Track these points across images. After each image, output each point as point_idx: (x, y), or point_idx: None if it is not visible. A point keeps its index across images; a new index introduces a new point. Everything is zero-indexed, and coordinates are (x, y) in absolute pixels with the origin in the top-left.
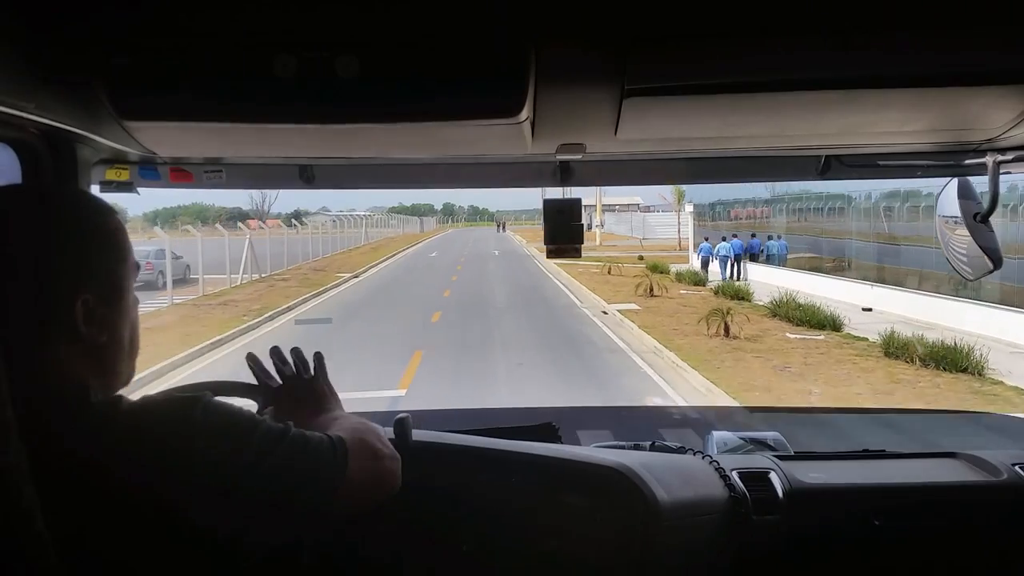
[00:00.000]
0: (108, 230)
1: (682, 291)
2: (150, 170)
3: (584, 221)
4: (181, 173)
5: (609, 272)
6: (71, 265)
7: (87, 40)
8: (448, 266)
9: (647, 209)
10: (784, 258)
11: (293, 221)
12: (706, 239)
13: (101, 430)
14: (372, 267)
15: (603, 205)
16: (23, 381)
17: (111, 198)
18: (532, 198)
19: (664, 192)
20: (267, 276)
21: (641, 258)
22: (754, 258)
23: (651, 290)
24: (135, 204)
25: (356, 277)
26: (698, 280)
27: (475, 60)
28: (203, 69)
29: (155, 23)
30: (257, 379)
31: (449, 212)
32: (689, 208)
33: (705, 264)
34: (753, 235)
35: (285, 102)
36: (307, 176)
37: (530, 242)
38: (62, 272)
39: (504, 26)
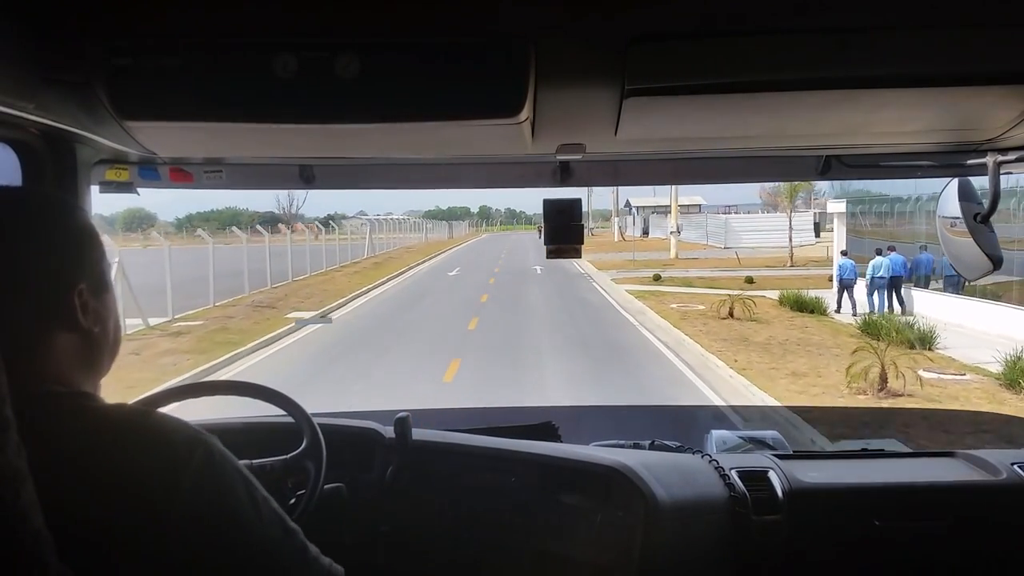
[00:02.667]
0: (93, 228)
1: (926, 372)
2: (150, 170)
3: (640, 225)
4: (181, 173)
5: (731, 314)
6: (71, 256)
7: (87, 40)
8: (469, 295)
9: (727, 210)
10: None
11: (331, 224)
12: (843, 253)
13: (88, 433)
14: (358, 297)
15: (663, 206)
16: (24, 373)
17: (141, 200)
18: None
19: (765, 186)
20: (160, 324)
21: (750, 280)
22: (919, 281)
23: (883, 379)
24: (166, 209)
25: (323, 318)
26: (924, 338)
27: (475, 60)
28: (203, 69)
29: (155, 23)
30: None
31: (485, 215)
32: (838, 206)
33: (847, 289)
34: (924, 247)
35: (285, 102)
36: (307, 176)
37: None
38: (64, 261)
39: (504, 26)
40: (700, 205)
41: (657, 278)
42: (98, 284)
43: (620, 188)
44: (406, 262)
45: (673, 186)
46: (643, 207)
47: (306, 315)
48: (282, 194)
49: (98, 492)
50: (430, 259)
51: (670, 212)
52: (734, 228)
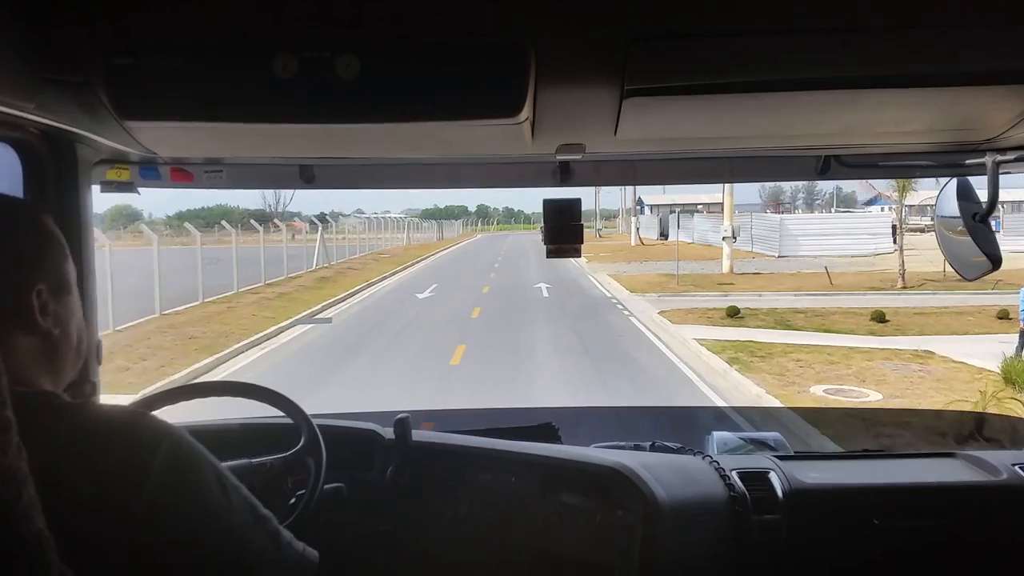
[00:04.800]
0: (55, 232)
1: None
2: (151, 170)
3: (655, 227)
4: (182, 173)
5: (979, 431)
6: (28, 256)
7: (87, 40)
8: (437, 345)
9: (774, 206)
10: None
11: (314, 222)
12: None
13: (54, 430)
14: (243, 352)
15: (677, 205)
16: None
17: (129, 196)
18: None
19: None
20: None
21: (881, 317)
22: None
23: None
24: (160, 206)
25: (320, 319)
26: None
27: (475, 60)
28: (203, 69)
29: (155, 23)
30: None
31: (483, 214)
32: None
33: None
34: None
35: (285, 102)
36: (307, 176)
37: (597, 264)
38: (20, 262)
39: (504, 26)
40: (723, 204)
41: (734, 313)
42: (59, 286)
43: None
44: (366, 276)
45: (724, 184)
46: (658, 206)
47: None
48: (268, 192)
49: (65, 489)
50: (402, 270)
51: (695, 211)
52: (790, 231)
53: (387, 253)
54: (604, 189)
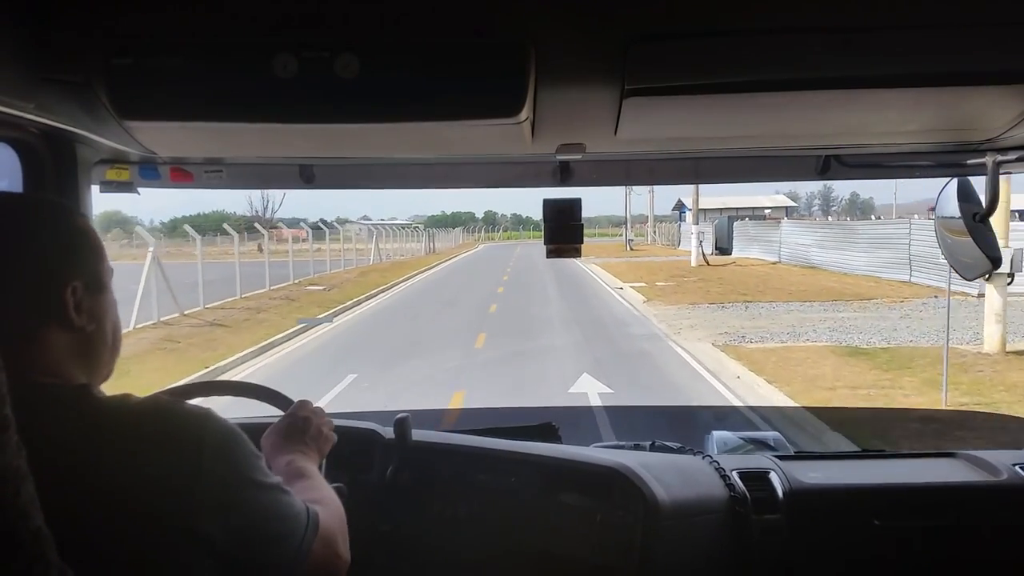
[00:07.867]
0: (89, 232)
1: None
2: (150, 170)
3: (709, 239)
4: (181, 173)
5: None
6: (62, 255)
7: (87, 40)
8: None
9: (903, 211)
10: None
11: (320, 226)
12: None
13: (99, 422)
14: None
15: (730, 209)
16: (19, 368)
17: (129, 200)
18: (598, 204)
19: None
20: None
21: None
22: None
23: None
24: (159, 212)
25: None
26: None
27: (475, 60)
28: (203, 69)
29: (155, 23)
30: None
31: (491, 221)
32: None
33: None
34: None
35: (285, 102)
36: (307, 176)
37: (667, 308)
38: (54, 260)
39: (504, 26)
40: (787, 208)
41: None
42: (94, 284)
43: (681, 186)
44: (210, 356)
45: (895, 180)
46: (705, 210)
47: None
48: (255, 197)
49: (108, 482)
50: (302, 341)
51: (761, 217)
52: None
53: (322, 284)
54: (635, 190)
